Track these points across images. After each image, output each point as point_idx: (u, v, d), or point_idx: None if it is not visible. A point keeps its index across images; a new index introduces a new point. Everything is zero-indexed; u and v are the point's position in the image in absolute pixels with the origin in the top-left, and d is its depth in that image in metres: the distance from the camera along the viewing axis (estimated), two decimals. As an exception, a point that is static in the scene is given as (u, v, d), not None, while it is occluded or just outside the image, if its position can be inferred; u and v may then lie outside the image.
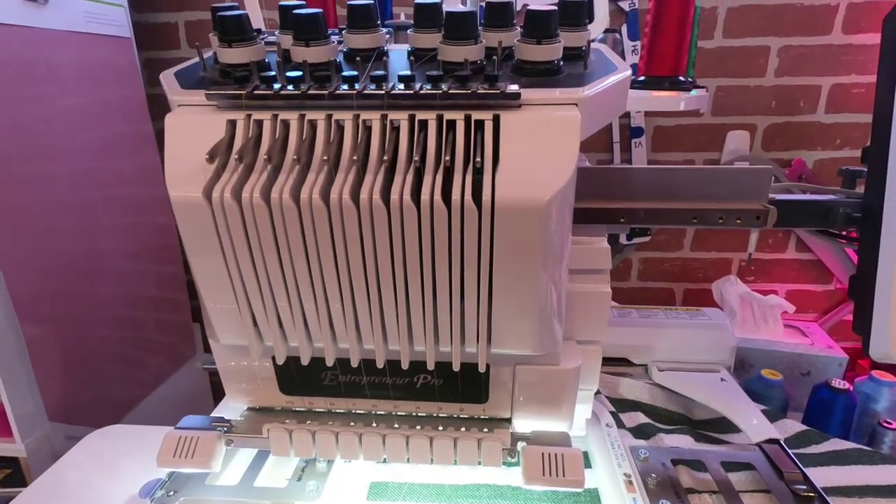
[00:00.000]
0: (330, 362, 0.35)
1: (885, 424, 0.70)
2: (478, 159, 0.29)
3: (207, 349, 0.42)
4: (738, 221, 0.37)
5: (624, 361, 0.60)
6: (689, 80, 0.57)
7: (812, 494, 0.42)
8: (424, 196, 0.28)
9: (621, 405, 0.55)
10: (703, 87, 0.57)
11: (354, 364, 0.35)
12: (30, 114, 0.77)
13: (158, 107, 1.05)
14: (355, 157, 0.29)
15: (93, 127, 0.91)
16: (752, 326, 0.91)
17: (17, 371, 0.74)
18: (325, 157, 0.29)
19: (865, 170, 0.45)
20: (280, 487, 0.44)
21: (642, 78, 0.56)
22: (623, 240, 1.06)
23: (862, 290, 0.43)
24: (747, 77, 0.97)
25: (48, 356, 0.83)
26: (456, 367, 0.34)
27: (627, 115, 0.99)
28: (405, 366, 0.35)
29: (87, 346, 0.94)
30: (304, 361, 0.35)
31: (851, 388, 0.75)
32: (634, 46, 0.95)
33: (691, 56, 0.61)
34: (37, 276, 0.79)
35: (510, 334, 0.33)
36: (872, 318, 0.42)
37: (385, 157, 0.29)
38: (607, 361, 0.61)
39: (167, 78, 0.34)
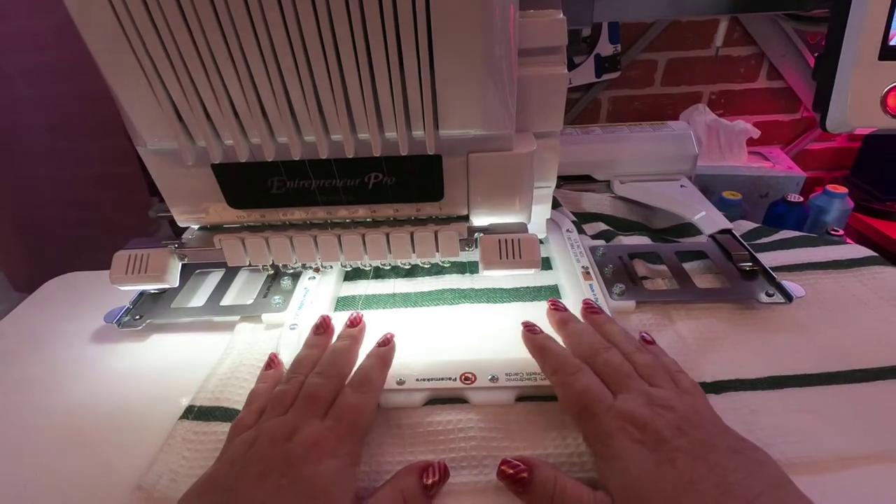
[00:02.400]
0: (269, 157, 0.33)
1: (833, 232, 0.73)
2: None
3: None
4: (704, -25, 0.34)
5: (587, 178, 0.60)
6: None
7: (756, 269, 0.44)
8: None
9: (583, 217, 0.56)
10: None
11: (296, 157, 0.33)
12: None
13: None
14: None
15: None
16: (718, 154, 0.92)
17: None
18: None
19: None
20: (247, 304, 0.44)
21: None
22: (592, 77, 1.01)
23: (827, 66, 0.42)
24: None
25: (2, 236, 0.80)
26: (403, 152, 0.33)
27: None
28: (349, 154, 0.33)
29: (42, 227, 0.90)
30: (241, 158, 0.33)
31: (805, 202, 0.78)
32: None
33: None
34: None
35: (457, 111, 0.31)
36: (832, 91, 0.41)
37: None
38: (570, 179, 0.61)
39: None
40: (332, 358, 0.34)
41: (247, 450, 0.28)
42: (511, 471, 0.29)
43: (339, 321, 0.43)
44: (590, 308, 0.39)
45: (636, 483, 0.26)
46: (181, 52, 0.28)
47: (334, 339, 0.37)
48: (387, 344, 0.36)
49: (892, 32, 0.37)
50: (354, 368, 0.34)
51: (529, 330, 0.37)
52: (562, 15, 0.35)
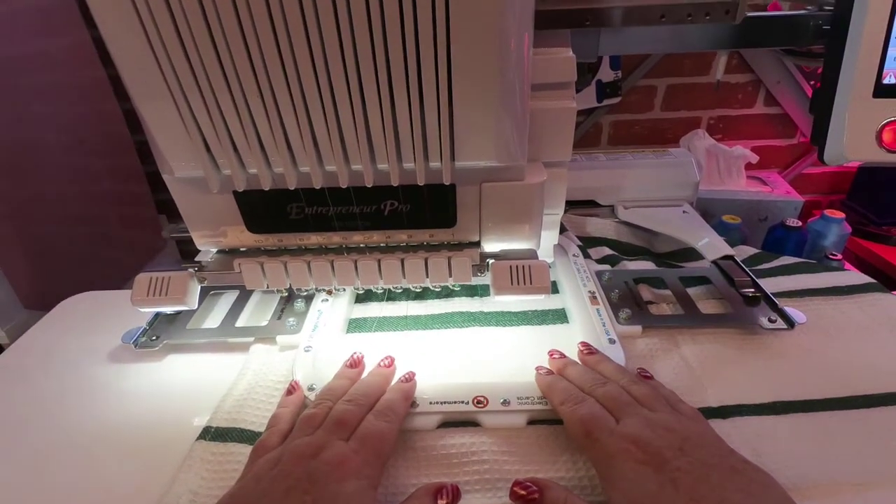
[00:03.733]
0: (292, 186, 0.34)
1: (831, 256, 0.75)
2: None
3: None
4: (708, 17, 0.36)
5: (591, 203, 0.61)
6: None
7: (759, 295, 0.45)
8: (371, -24, 0.26)
9: (588, 241, 0.57)
10: None
11: (317, 186, 0.34)
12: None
13: (75, -28, 0.92)
14: (289, -67, 0.26)
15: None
16: (717, 179, 0.93)
17: (-20, 264, 0.73)
18: (255, -65, 0.26)
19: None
20: (261, 325, 0.45)
21: None
22: (593, 102, 1.04)
23: (823, 101, 0.44)
24: None
25: (12, 252, 0.81)
26: (420, 182, 0.34)
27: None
28: (368, 184, 0.34)
29: (52, 243, 0.91)
30: (265, 187, 0.34)
31: (804, 226, 0.80)
32: None
33: None
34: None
35: (473, 144, 0.33)
36: (829, 125, 0.42)
37: (323, -68, 0.26)
38: (575, 204, 0.62)
39: None
40: (363, 389, 0.36)
41: (272, 468, 0.28)
42: (523, 492, 0.30)
43: (352, 343, 0.44)
44: (586, 350, 0.40)
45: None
46: (212, 85, 0.30)
47: (364, 374, 0.39)
48: (409, 380, 0.38)
49: (885, 71, 0.39)
50: None
51: (542, 371, 0.39)
52: (571, 53, 0.37)
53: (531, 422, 0.36)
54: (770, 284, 0.48)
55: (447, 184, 0.35)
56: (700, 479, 0.27)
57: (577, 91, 0.39)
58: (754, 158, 0.93)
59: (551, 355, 0.40)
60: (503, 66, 0.30)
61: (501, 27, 0.28)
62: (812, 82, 1.02)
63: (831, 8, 0.45)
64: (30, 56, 0.87)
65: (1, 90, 0.79)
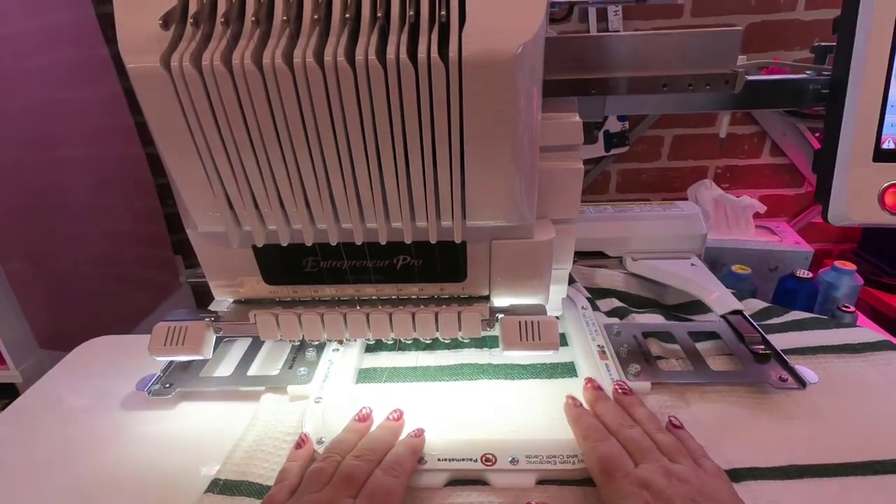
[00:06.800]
0: (309, 242, 0.36)
1: (844, 308, 0.74)
2: (442, 13, 0.28)
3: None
4: (708, 87, 0.37)
5: (600, 255, 0.62)
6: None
7: (769, 352, 0.45)
8: (390, 55, 0.28)
9: (597, 293, 0.57)
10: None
11: (333, 242, 0.36)
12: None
13: (111, 28, 0.98)
14: (316, 17, 0.28)
15: (41, 53, 0.86)
16: (725, 228, 0.94)
17: (2, 302, 0.74)
18: (285, 18, 0.28)
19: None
20: (273, 374, 0.46)
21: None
22: (601, 151, 1.06)
23: (825, 162, 0.45)
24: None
25: (32, 290, 0.83)
26: (433, 240, 0.35)
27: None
28: (383, 241, 0.35)
29: (70, 282, 0.93)
30: (283, 243, 0.36)
31: (815, 277, 0.79)
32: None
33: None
34: (5, 213, 0.77)
35: (484, 205, 0.34)
36: (832, 186, 0.43)
37: (347, 16, 0.28)
38: (583, 255, 0.63)
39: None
40: (371, 443, 0.36)
41: None
42: None
43: (362, 394, 0.45)
44: (621, 389, 0.41)
45: None
46: (237, 147, 0.32)
47: (373, 427, 0.39)
48: (418, 436, 0.38)
49: (883, 137, 0.40)
50: None
51: (573, 401, 0.40)
52: (578, 118, 0.39)
53: (540, 481, 0.36)
54: (780, 341, 0.48)
55: (458, 242, 0.36)
56: None
57: (585, 143, 0.41)
58: (762, 208, 0.93)
59: (587, 382, 0.41)
60: (513, 132, 0.31)
61: (512, 96, 0.30)
62: (817, 134, 1.04)
63: (829, 74, 0.47)
64: (63, 104, 0.92)
65: (35, 138, 0.84)
